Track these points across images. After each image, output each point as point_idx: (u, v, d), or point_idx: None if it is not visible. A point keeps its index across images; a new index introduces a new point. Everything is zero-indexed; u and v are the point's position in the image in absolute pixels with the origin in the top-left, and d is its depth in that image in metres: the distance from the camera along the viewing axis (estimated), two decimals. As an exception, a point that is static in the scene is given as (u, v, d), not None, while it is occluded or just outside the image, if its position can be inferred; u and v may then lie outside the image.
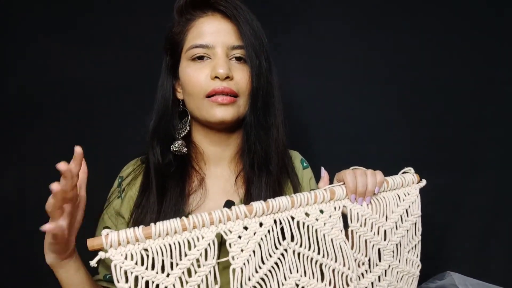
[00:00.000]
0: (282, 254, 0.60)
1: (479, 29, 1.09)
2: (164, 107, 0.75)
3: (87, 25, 1.08)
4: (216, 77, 0.68)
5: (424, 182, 0.72)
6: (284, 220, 0.60)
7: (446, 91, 1.10)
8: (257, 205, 0.58)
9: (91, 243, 0.52)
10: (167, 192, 0.71)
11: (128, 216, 0.72)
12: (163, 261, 0.54)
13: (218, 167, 0.77)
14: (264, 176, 0.72)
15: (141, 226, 0.54)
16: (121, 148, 0.97)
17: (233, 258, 0.57)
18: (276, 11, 1.10)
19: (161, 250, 0.54)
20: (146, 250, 0.54)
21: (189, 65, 0.70)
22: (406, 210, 0.70)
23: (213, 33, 0.69)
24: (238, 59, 0.71)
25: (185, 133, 0.76)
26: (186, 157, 0.75)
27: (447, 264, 1.01)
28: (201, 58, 0.70)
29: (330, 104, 1.12)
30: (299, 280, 0.60)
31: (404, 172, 0.72)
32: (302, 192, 0.76)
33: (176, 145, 0.74)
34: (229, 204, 0.72)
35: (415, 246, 0.71)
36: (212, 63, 0.69)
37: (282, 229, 0.60)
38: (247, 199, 0.72)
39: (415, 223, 0.71)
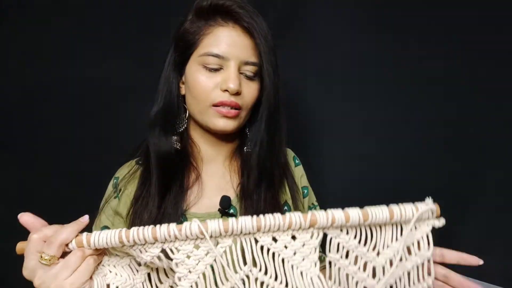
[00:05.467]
0: (243, 280, 0.52)
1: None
2: (170, 101, 0.74)
3: (86, 24, 1.08)
4: (226, 90, 0.68)
5: (442, 221, 0.56)
6: (245, 242, 0.51)
7: (447, 88, 1.06)
8: (213, 226, 0.50)
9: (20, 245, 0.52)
10: (167, 185, 0.71)
11: (125, 213, 0.72)
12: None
13: (213, 165, 0.78)
14: (263, 187, 0.74)
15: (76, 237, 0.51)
16: (120, 148, 0.97)
17: (179, 279, 0.51)
18: (275, 10, 1.10)
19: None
20: None
21: (200, 70, 0.70)
22: (408, 248, 0.55)
23: (230, 45, 0.68)
24: (248, 75, 0.71)
25: (182, 129, 0.76)
26: (185, 151, 0.75)
27: (447, 264, 1.00)
28: (216, 70, 0.69)
29: (325, 102, 1.12)
30: None
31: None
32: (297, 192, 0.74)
33: (172, 140, 0.75)
34: (225, 199, 0.72)
35: None
36: (224, 74, 0.69)
37: (243, 251, 0.52)
38: (243, 195, 0.73)
39: (422, 265, 0.55)
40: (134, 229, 0.49)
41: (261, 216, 0.50)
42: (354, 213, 0.51)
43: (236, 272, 0.52)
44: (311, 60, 1.12)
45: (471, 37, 1.05)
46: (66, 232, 0.51)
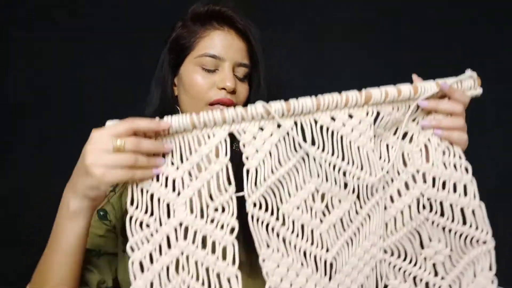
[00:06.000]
0: (303, 158, 0.55)
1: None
2: (166, 102, 0.77)
3: (86, 24, 1.09)
4: (223, 89, 0.72)
5: (480, 90, 0.58)
6: (306, 123, 0.54)
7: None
8: (277, 106, 0.52)
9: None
10: None
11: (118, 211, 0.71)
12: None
13: None
14: None
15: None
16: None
17: (247, 158, 0.53)
18: (273, 10, 1.11)
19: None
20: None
21: (197, 71, 0.73)
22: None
23: (225, 47, 0.73)
24: (240, 76, 0.75)
25: None
26: None
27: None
28: (212, 70, 0.73)
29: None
30: (319, 186, 0.54)
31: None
32: None
33: None
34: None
35: (449, 144, 0.59)
36: (220, 74, 0.73)
37: (303, 132, 0.54)
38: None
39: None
40: (203, 112, 0.52)
41: (319, 95, 0.54)
42: (406, 88, 0.56)
43: (296, 151, 0.54)
44: (311, 60, 1.12)
45: (471, 37, 1.05)
46: (151, 146, 0.51)
